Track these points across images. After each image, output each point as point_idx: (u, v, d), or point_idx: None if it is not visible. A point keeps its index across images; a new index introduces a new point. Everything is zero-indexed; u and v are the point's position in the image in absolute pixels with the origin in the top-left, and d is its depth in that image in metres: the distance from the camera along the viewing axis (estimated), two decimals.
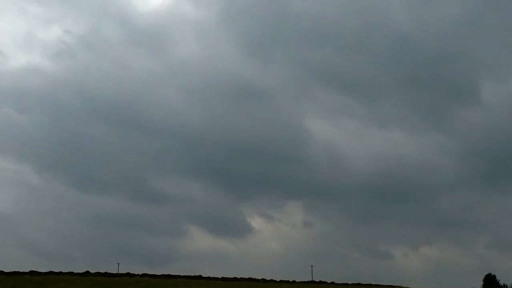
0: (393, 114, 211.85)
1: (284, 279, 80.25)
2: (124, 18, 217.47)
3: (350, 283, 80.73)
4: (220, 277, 76.87)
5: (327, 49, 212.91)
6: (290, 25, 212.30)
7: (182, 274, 75.77)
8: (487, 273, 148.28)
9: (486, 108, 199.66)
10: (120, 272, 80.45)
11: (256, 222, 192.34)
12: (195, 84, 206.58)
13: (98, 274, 70.60)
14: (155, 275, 73.08)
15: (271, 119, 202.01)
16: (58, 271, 70.31)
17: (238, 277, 77.25)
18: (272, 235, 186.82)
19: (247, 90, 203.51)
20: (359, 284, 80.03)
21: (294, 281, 79.77)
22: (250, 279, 76.98)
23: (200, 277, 75.46)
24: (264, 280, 77.50)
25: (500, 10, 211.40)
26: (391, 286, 77.63)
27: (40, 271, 69.08)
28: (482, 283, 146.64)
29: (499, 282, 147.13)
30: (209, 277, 75.75)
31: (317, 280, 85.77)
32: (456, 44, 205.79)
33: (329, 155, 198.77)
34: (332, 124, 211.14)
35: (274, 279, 79.66)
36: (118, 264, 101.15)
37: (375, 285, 79.07)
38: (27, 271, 68.58)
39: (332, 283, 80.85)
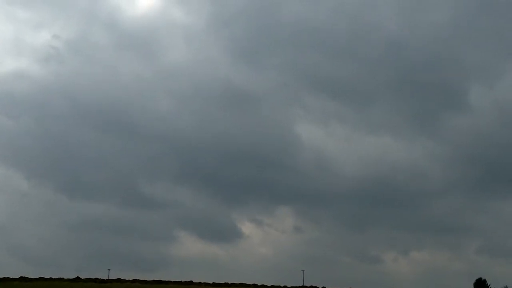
0: (383, 119, 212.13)
1: (275, 284, 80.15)
2: (113, 22, 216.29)
3: None
4: (211, 282, 76.69)
5: (317, 55, 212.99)
6: (280, 31, 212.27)
7: (173, 280, 75.60)
8: (477, 278, 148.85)
9: (475, 113, 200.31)
10: (110, 278, 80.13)
11: (246, 227, 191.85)
12: (184, 89, 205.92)
13: (88, 280, 70.34)
14: (145, 280, 72.88)
15: (261, 125, 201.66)
16: (48, 277, 70.04)
17: (229, 283, 77.08)
18: (262, 240, 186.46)
19: (237, 96, 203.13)
20: None
21: (285, 286, 79.70)
22: (241, 284, 76.83)
23: (191, 282, 75.27)
24: (255, 285, 77.41)
25: (488, 16, 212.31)
26: None
27: (30, 277, 68.78)
28: (472, 287, 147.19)
29: (489, 286, 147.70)
30: (200, 283, 75.57)
31: (308, 285, 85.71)
32: (445, 49, 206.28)
33: (319, 160, 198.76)
34: (322, 129, 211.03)
35: (265, 284, 79.53)
36: (109, 269, 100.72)
37: None
38: (17, 277, 68.24)
39: (324, 287, 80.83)
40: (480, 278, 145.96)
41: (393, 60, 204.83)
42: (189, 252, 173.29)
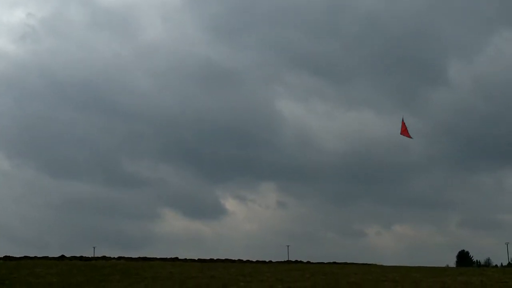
0: (363, 95, 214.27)
1: (260, 260, 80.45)
2: (89, 0, 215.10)
3: (326, 262, 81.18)
4: (196, 258, 76.83)
5: (296, 32, 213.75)
6: (259, 7, 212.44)
7: (158, 257, 75.64)
8: (460, 250, 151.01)
9: (455, 88, 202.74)
10: (96, 255, 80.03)
11: (230, 204, 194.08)
12: (163, 67, 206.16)
13: (73, 258, 70.14)
14: (131, 258, 72.80)
15: (242, 102, 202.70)
16: (33, 256, 69.76)
17: (215, 259, 77.27)
18: (246, 216, 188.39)
19: (217, 73, 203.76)
20: (334, 263, 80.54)
21: (270, 261, 80.00)
22: (226, 260, 77.04)
23: (176, 259, 75.32)
24: (240, 261, 77.65)
25: None
26: (367, 264, 78.29)
27: (14, 256, 68.44)
28: (455, 259, 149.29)
29: (472, 258, 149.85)
30: (185, 259, 75.63)
31: (293, 260, 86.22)
32: (423, 25, 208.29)
33: (301, 136, 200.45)
34: (303, 106, 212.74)
35: (250, 259, 79.85)
36: (94, 247, 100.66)
37: (350, 263, 79.65)
38: (1, 256, 67.87)
39: (308, 262, 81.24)
40: (463, 250, 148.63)
41: (372, 36, 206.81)
42: (173, 229, 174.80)
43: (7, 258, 66.90)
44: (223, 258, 77.78)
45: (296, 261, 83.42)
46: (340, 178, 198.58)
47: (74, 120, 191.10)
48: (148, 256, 75.73)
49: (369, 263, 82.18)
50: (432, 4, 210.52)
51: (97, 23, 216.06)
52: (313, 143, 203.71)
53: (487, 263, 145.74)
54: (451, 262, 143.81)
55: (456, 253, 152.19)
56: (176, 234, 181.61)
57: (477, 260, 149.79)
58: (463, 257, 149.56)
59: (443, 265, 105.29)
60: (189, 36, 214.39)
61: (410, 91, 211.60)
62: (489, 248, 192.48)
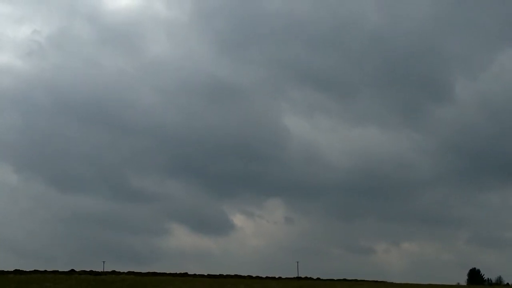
0: (368, 111, 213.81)
1: (269, 276, 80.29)
2: (95, 16, 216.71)
3: (335, 279, 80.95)
4: (206, 274, 76.80)
5: (301, 48, 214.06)
6: (263, 23, 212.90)
7: (167, 272, 75.70)
8: (471, 268, 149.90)
9: (460, 104, 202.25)
10: (105, 270, 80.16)
11: (238, 219, 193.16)
12: (169, 83, 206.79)
13: (83, 272, 70.29)
14: (140, 273, 72.89)
15: (247, 117, 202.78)
16: (43, 270, 69.97)
17: (224, 274, 77.20)
18: (254, 231, 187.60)
19: (222, 89, 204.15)
20: (344, 279, 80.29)
21: (280, 278, 79.84)
22: (236, 276, 76.95)
23: (186, 274, 75.36)
24: (250, 277, 77.50)
25: (470, 8, 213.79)
26: (376, 281, 77.97)
27: (24, 270, 68.68)
28: (466, 277, 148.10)
29: (483, 276, 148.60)
30: (194, 275, 75.65)
31: (303, 277, 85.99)
32: (428, 41, 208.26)
33: (307, 152, 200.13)
34: (308, 122, 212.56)
35: (259, 275, 79.70)
36: (104, 262, 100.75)
37: (360, 280, 79.38)
38: (12, 270, 68.12)
39: (318, 279, 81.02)
40: (474, 268, 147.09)
41: (376, 52, 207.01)
42: (181, 244, 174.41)
43: (17, 272, 67.14)
44: (233, 274, 77.71)
45: (306, 278, 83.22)
46: (346, 194, 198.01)
47: (81, 136, 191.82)
48: (157, 271, 75.85)
49: (378, 280, 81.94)
50: (437, 21, 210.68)
51: (102, 40, 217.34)
52: (319, 159, 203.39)
53: (499, 281, 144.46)
54: (461, 279, 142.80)
55: (464, 271, 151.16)
56: (184, 250, 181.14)
57: (488, 278, 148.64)
58: (474, 275, 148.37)
59: (453, 282, 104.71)
60: (195, 52, 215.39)
61: (415, 108, 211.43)
62: (499, 266, 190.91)
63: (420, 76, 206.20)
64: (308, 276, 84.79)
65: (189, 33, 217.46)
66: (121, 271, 74.30)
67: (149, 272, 73.63)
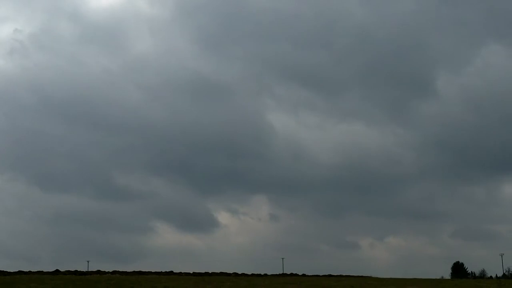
0: (353, 107, 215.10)
1: (255, 273, 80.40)
2: (77, 14, 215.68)
3: (321, 274, 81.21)
4: (191, 272, 76.73)
5: (285, 44, 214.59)
6: (247, 20, 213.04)
7: (153, 271, 75.55)
8: (455, 262, 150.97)
9: (443, 100, 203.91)
10: (90, 270, 79.83)
11: (222, 217, 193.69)
12: (153, 80, 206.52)
13: (68, 272, 69.94)
14: (126, 272, 72.69)
15: (232, 114, 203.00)
16: (27, 270, 69.52)
17: (210, 272, 77.17)
18: (239, 229, 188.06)
19: (206, 86, 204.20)
20: (330, 275, 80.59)
21: (265, 274, 79.96)
22: (221, 273, 76.96)
23: (171, 272, 75.25)
24: (235, 274, 77.57)
25: (454, 3, 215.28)
26: (362, 276, 78.30)
27: (8, 271, 68.15)
28: (450, 271, 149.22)
29: (467, 270, 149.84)
30: (180, 273, 75.57)
31: (288, 273, 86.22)
32: (412, 37, 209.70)
33: (292, 148, 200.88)
34: (293, 118, 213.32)
35: (245, 273, 79.77)
36: (88, 261, 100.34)
37: (346, 276, 79.71)
38: None
39: (304, 275, 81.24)
40: (458, 262, 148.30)
41: (361, 48, 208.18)
42: (166, 242, 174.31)
43: (1, 273, 66.59)
44: (218, 272, 77.73)
45: (292, 274, 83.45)
46: (331, 190, 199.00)
47: (64, 134, 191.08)
48: (142, 270, 75.69)
49: (364, 275, 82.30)
50: (421, 17, 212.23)
51: (85, 38, 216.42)
52: (305, 155, 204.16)
53: (482, 275, 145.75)
54: (446, 273, 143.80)
55: (449, 265, 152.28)
56: (169, 247, 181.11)
57: (472, 272, 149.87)
58: (458, 269, 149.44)
59: (438, 276, 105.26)
60: (178, 49, 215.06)
61: (400, 103, 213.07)
62: (483, 259, 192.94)
63: (405, 72, 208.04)
64: (294, 273, 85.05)
65: (173, 30, 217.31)
66: (106, 270, 74.07)
67: (134, 271, 73.44)
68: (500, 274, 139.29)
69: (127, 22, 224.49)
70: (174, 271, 76.42)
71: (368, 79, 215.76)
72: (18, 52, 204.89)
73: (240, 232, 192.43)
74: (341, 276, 78.58)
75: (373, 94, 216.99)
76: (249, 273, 79.59)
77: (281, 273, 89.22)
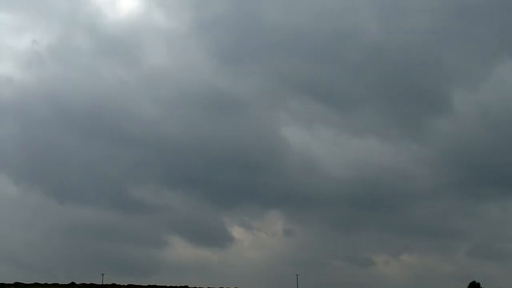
0: (367, 122, 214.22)
1: None
2: (94, 27, 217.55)
3: None
4: (205, 287, 76.60)
5: (300, 59, 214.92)
6: (263, 35, 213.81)
7: (168, 285, 75.37)
8: (471, 281, 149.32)
9: (458, 116, 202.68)
10: (104, 283, 79.95)
11: (236, 232, 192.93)
12: (168, 94, 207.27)
13: (83, 285, 70.15)
14: (141, 286, 72.63)
15: (247, 129, 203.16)
16: (43, 283, 69.77)
17: (224, 287, 76.99)
18: (253, 244, 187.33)
19: (222, 100, 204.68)
20: None
21: None
22: None
23: (186, 287, 75.08)
24: None
25: (469, 20, 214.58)
26: None
27: (24, 282, 68.48)
28: None
29: None
30: (195, 287, 75.43)
31: None
32: (427, 53, 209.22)
33: (306, 163, 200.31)
34: (308, 133, 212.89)
35: None
36: (103, 275, 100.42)
37: None
38: (12, 283, 67.93)
39: None
40: (474, 282, 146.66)
41: (375, 64, 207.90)
42: (180, 256, 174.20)
43: (17, 284, 66.97)
44: (233, 287, 77.45)
45: None
46: (346, 205, 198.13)
47: (80, 147, 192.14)
48: (157, 284, 75.46)
49: None
50: (436, 34, 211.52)
51: (102, 51, 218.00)
52: (319, 170, 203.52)
53: None
54: None
55: (465, 283, 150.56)
56: (183, 261, 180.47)
57: None
58: None
59: None
60: (194, 63, 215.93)
61: (415, 120, 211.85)
62: (498, 278, 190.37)
63: (419, 88, 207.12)
64: None
65: (189, 44, 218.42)
66: (121, 284, 74.01)
67: (149, 285, 73.39)
68: None
69: (144, 35, 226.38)
70: (189, 286, 76.27)
71: (383, 94, 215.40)
72: (36, 64, 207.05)
73: (254, 247, 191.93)
74: None
75: (388, 110, 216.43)
76: None
77: None
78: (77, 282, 72.46)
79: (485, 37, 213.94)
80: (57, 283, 70.41)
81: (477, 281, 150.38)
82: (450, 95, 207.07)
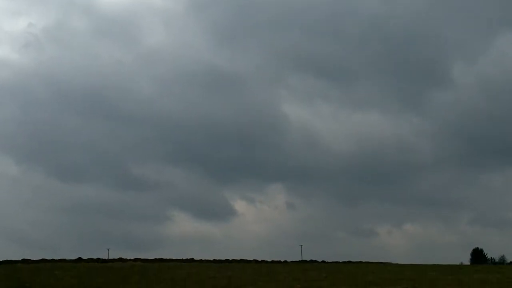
0: (368, 96, 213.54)
1: (275, 260, 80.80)
2: (90, 7, 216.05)
3: (340, 261, 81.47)
4: (211, 259, 77.31)
5: (299, 34, 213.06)
6: (260, 11, 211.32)
7: (174, 258, 76.20)
8: (474, 248, 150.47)
9: (459, 88, 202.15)
10: (111, 257, 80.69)
11: (239, 205, 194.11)
12: (167, 72, 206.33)
13: (90, 260, 70.86)
14: (147, 259, 73.39)
15: (247, 105, 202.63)
16: (50, 258, 70.54)
17: (230, 259, 77.70)
18: (256, 217, 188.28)
19: (221, 78, 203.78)
20: (349, 262, 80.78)
21: (285, 261, 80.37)
22: (242, 260, 77.48)
23: (192, 260, 75.86)
24: (256, 261, 78.04)
25: None
26: (381, 263, 78.46)
27: (32, 259, 69.20)
28: (469, 257, 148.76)
29: (486, 256, 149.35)
30: (201, 260, 76.19)
31: (308, 260, 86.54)
32: (427, 26, 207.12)
33: (307, 138, 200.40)
34: (307, 108, 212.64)
35: (265, 260, 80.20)
36: (108, 249, 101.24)
37: (365, 262, 79.86)
38: (19, 259, 68.66)
39: (323, 261, 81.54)
40: (477, 248, 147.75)
41: (375, 38, 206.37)
42: (184, 231, 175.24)
43: (25, 261, 67.67)
44: (238, 259, 78.18)
45: (311, 261, 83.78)
46: (347, 178, 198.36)
47: (79, 126, 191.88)
48: (163, 257, 76.29)
49: (383, 261, 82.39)
50: (434, 5, 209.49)
51: (99, 31, 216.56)
52: (320, 145, 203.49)
53: (502, 261, 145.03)
54: (464, 259, 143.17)
55: (468, 251, 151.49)
56: (187, 236, 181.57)
57: (491, 258, 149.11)
58: (477, 255, 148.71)
59: (456, 262, 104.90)
60: (192, 41, 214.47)
61: (415, 92, 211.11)
62: (502, 246, 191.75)
63: (420, 61, 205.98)
64: (313, 259, 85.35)
65: (186, 22, 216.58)
66: (128, 258, 74.75)
67: (156, 259, 74.15)
68: None
69: (141, 14, 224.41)
70: (195, 259, 77.04)
71: (383, 68, 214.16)
72: (32, 46, 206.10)
73: (257, 221, 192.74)
74: (360, 262, 78.77)
75: (388, 83, 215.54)
76: (269, 260, 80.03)
77: (300, 260, 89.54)
78: (84, 258, 73.12)
79: (485, 8, 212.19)
80: (65, 259, 71.11)
81: (480, 248, 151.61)
82: (450, 68, 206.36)
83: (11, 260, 67.69)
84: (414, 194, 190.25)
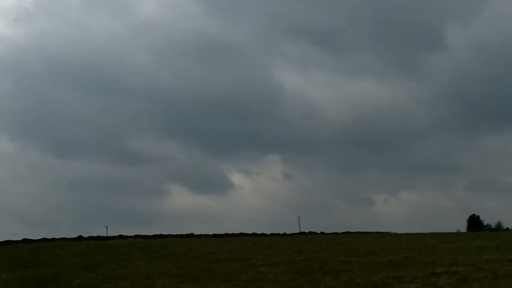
0: (362, 63, 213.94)
1: (274, 232, 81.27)
2: None
3: (339, 232, 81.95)
4: (211, 234, 77.69)
5: (293, 2, 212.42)
6: None
7: (174, 233, 76.57)
8: (470, 215, 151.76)
9: (454, 52, 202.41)
10: (110, 234, 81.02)
11: (236, 178, 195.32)
12: (160, 43, 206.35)
13: (91, 238, 71.15)
14: (147, 235, 73.72)
15: (241, 75, 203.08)
16: (50, 237, 70.78)
17: (229, 233, 78.10)
18: (253, 189, 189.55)
19: (215, 47, 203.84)
20: (348, 232, 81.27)
21: (284, 234, 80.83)
22: (241, 234, 77.90)
23: (192, 235, 76.22)
24: (255, 234, 78.48)
25: None
26: (380, 232, 79.05)
27: (32, 238, 69.43)
28: (465, 224, 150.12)
29: (483, 222, 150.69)
30: (200, 235, 76.58)
31: (307, 231, 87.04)
32: None
33: (303, 107, 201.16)
34: (303, 76, 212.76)
35: (264, 232, 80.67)
36: (107, 227, 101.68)
37: (364, 232, 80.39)
38: (20, 239, 68.87)
39: (322, 233, 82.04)
40: (474, 215, 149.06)
41: (368, 3, 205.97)
42: (182, 205, 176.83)
43: (25, 240, 67.89)
44: (238, 232, 78.61)
45: (310, 232, 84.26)
46: (344, 146, 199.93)
47: (74, 100, 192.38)
48: (162, 233, 76.69)
49: (381, 231, 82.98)
50: None
51: (91, 2, 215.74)
52: (316, 113, 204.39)
53: (498, 227, 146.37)
54: (461, 226, 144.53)
55: (465, 218, 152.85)
56: (185, 210, 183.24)
57: (488, 224, 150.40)
58: (474, 222, 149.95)
59: (454, 230, 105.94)
60: (185, 10, 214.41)
61: (410, 58, 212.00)
62: (499, 212, 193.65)
63: (414, 26, 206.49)
64: (312, 231, 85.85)
65: None
66: (127, 234, 75.09)
67: (155, 235, 74.49)
68: None
69: None
70: (194, 234, 77.44)
71: (377, 34, 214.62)
72: (23, 20, 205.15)
73: (254, 192, 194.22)
74: (359, 232, 79.28)
75: (383, 49, 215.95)
76: (268, 233, 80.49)
77: (298, 231, 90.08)
78: (84, 236, 73.41)
79: None
80: (65, 237, 71.38)
81: (476, 214, 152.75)
82: (444, 31, 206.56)
83: (11, 240, 67.87)
84: (411, 161, 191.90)
